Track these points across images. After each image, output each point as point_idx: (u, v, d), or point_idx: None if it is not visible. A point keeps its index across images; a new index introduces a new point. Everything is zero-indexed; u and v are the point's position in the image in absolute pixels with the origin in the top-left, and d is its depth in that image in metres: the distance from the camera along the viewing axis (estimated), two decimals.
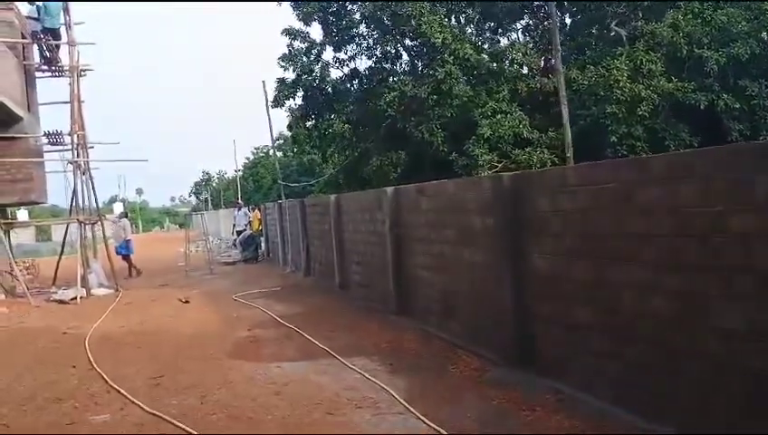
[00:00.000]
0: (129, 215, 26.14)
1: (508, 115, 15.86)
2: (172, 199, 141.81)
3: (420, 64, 17.50)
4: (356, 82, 19.61)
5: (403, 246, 9.94)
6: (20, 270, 22.40)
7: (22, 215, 60.17)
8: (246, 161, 60.56)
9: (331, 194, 22.28)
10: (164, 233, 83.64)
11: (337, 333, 9.64)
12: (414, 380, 6.99)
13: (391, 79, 18.09)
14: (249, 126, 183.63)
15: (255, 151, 58.71)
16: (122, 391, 7.20)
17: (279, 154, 49.01)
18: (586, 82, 15.87)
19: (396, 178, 16.42)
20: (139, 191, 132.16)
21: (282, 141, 36.58)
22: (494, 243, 6.98)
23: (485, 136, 15.28)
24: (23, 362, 9.11)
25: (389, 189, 10.23)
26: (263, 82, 25.19)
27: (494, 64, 17.13)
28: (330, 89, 19.62)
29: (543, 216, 6.18)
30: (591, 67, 16.25)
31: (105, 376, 7.88)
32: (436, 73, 15.34)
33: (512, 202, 6.57)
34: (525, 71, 17.15)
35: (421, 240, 9.28)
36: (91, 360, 8.79)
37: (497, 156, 15.51)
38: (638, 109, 15.43)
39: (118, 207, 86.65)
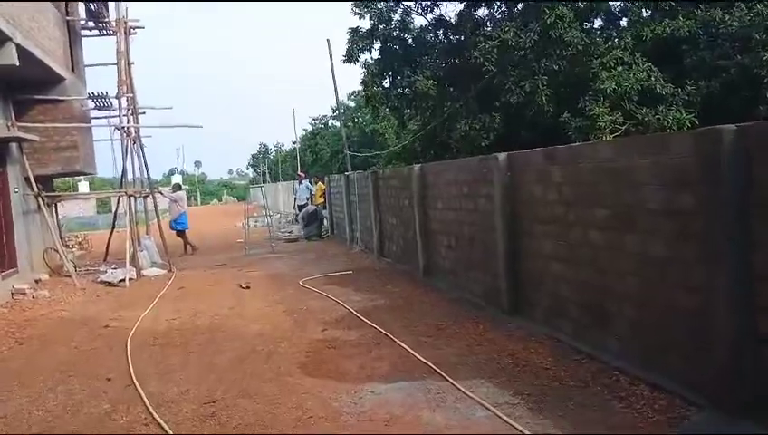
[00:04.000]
0: (182, 187, 24.53)
1: (632, 66, 13.30)
2: (230, 172, 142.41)
3: (521, 6, 14.76)
4: (442, 31, 17.12)
5: (520, 229, 7.76)
6: (72, 246, 21.24)
7: (83, 186, 60.55)
8: (304, 133, 58.78)
9: (400, 166, 20.12)
10: (222, 206, 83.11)
11: (436, 339, 7.58)
12: (571, 423, 4.87)
13: (487, 25, 15.52)
14: (308, 97, 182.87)
15: (314, 123, 56.76)
16: (165, 425, 5.32)
17: (338, 124, 47.07)
18: (735, 24, 13.13)
19: (487, 147, 14.11)
20: (198, 164, 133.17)
21: (342, 111, 34.50)
22: (692, 229, 4.76)
23: (607, 91, 12.78)
24: (51, 370, 7.35)
25: (501, 156, 8.03)
26: (327, 40, 23.19)
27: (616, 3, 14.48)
28: (411, 40, 17.11)
29: None
30: (742, 5, 13.45)
31: (145, 398, 6.02)
32: (545, 17, 12.82)
33: (740, 170, 4.32)
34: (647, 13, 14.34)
35: (549, 222, 7.09)
36: (131, 371, 6.95)
37: (621, 116, 13.01)
38: None
39: (176, 180, 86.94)
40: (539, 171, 7.28)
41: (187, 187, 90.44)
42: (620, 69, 13.20)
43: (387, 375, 6.37)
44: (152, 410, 5.68)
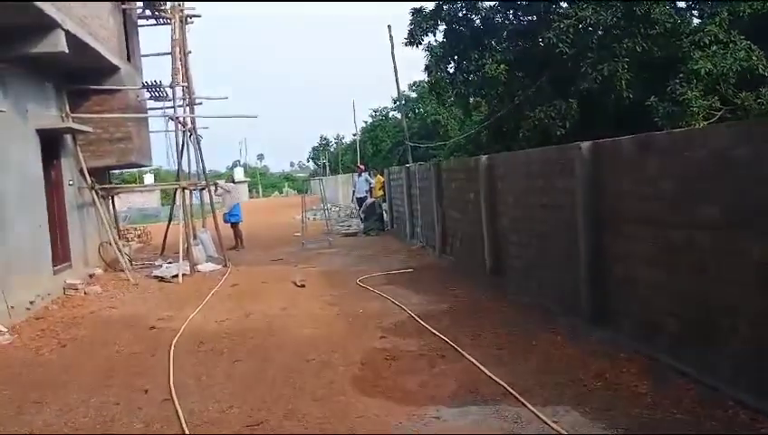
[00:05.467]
0: (235, 181, 24.20)
1: (729, 46, 11.99)
2: (291, 165, 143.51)
3: None
4: (512, 11, 15.95)
5: (606, 228, 6.81)
6: (130, 238, 21.13)
7: (148, 179, 61.64)
8: (365, 125, 58.23)
9: (464, 157, 19.16)
10: (283, 198, 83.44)
11: (508, 351, 6.72)
12: None
13: (563, 4, 14.31)
14: (370, 90, 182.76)
15: (374, 115, 56.12)
16: None
17: (398, 116, 46.32)
18: None
19: (561, 136, 13.03)
20: (260, 157, 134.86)
21: (403, 102, 33.67)
22: None
23: (701, 73, 11.52)
24: (88, 377, 6.81)
25: (584, 145, 7.07)
26: (388, 26, 22.39)
27: None
28: (479, 21, 16.07)
29: None
30: None
31: (182, 417, 5.36)
32: None
33: None
34: None
35: (642, 220, 6.12)
36: (171, 383, 6.33)
37: (718, 100, 11.74)
38: None
39: (238, 172, 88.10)
40: (631, 162, 6.31)
41: (248, 179, 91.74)
42: (715, 48, 11.91)
43: (453, 396, 5.56)
44: (188, 433, 5.02)
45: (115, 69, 13.80)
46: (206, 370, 6.80)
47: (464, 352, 6.67)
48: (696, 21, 12.75)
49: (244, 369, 6.79)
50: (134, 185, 30.12)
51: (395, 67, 23.59)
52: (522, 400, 5.25)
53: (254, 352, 7.38)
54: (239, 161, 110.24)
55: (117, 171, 32.10)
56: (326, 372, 6.47)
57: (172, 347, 7.71)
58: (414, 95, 45.73)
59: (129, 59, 15.14)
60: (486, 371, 6.03)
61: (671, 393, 5.13)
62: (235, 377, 6.51)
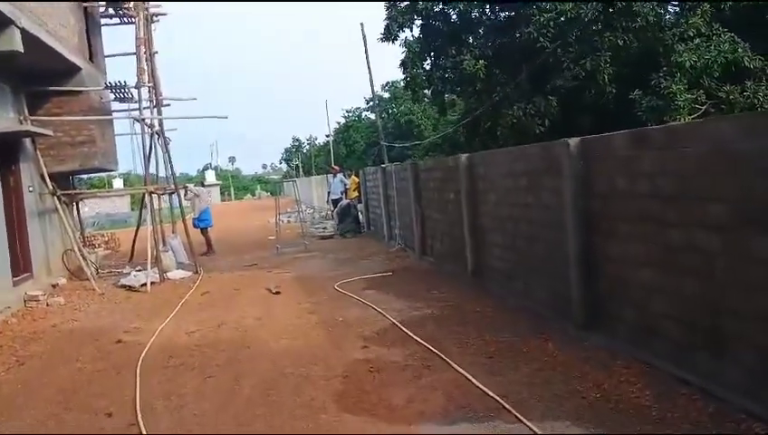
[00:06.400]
0: (205, 184, 23.70)
1: (712, 38, 11.72)
2: (264, 167, 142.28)
3: None
4: (489, 6, 15.51)
5: (597, 228, 6.47)
6: (97, 245, 20.44)
7: (117, 183, 60.47)
8: (338, 126, 57.65)
9: (440, 157, 18.79)
10: (256, 201, 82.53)
11: (498, 360, 6.35)
12: None
13: None
14: (344, 91, 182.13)
15: (347, 115, 55.56)
16: None
17: (372, 116, 45.91)
18: None
19: (541, 134, 12.67)
20: (232, 159, 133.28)
21: (377, 102, 33.22)
22: None
23: (686, 65, 11.23)
24: (46, 400, 6.29)
25: (573, 141, 6.73)
26: (361, 24, 21.95)
27: None
28: (455, 15, 15.66)
29: None
30: None
31: None
32: None
33: None
34: None
35: (638, 219, 5.79)
36: (138, 404, 5.84)
37: (703, 94, 11.44)
38: None
39: (210, 175, 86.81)
40: (624, 159, 5.97)
41: (220, 182, 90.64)
42: (698, 41, 11.65)
43: (443, 412, 5.17)
44: None
45: (76, 69, 13.20)
46: (175, 388, 6.32)
47: (451, 362, 6.28)
48: (671, 12, 12.43)
49: (216, 386, 6.33)
50: (98, 190, 29.16)
51: (369, 67, 23.23)
52: (518, 415, 4.87)
53: (227, 367, 6.92)
54: (210, 164, 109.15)
55: (85, 176, 31.20)
56: (306, 387, 6.03)
57: (139, 363, 7.21)
58: (387, 95, 45.34)
59: (91, 59, 14.53)
60: (477, 382, 5.65)
61: (678, 406, 4.79)
62: (207, 395, 6.05)
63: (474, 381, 5.70)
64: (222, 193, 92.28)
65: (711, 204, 4.82)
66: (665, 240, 5.39)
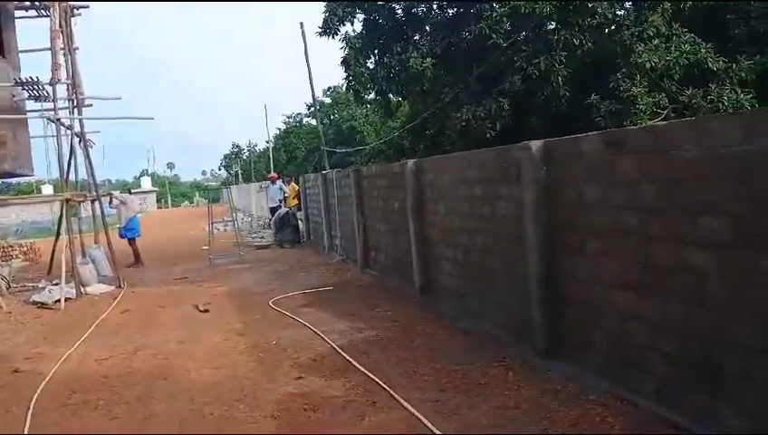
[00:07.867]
0: (132, 191, 22.45)
1: (673, 39, 11.21)
2: (203, 173, 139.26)
3: None
4: (436, 2, 14.73)
5: (563, 243, 5.74)
6: (15, 256, 18.90)
7: (47, 189, 57.76)
8: (278, 132, 56.28)
9: (384, 163, 17.96)
10: (194, 208, 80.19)
11: (453, 394, 5.52)
12: None
13: None
14: (283, 93, 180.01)
15: (288, 121, 54.25)
16: None
17: (313, 122, 44.88)
18: None
19: (491, 139, 11.99)
20: (170, 165, 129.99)
21: (318, 108, 32.21)
22: None
23: (646, 67, 10.67)
24: None
25: (535, 144, 6.00)
26: (300, 23, 20.98)
27: None
28: (401, 10, 14.82)
29: None
30: None
31: None
32: None
33: None
34: None
35: (612, 234, 5.08)
36: None
37: (665, 97, 10.91)
38: None
39: (146, 182, 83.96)
40: (595, 164, 5.26)
41: (157, 189, 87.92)
42: (657, 41, 11.15)
43: None
44: None
45: None
46: (73, 431, 5.28)
47: (399, 398, 5.43)
48: (629, 10, 11.90)
49: (120, 429, 5.32)
50: (8, 197, 27.29)
51: (309, 69, 22.28)
52: None
53: (137, 406, 5.89)
54: (147, 170, 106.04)
55: (13, 180, 29.19)
56: (228, 430, 5.09)
57: (34, 399, 6.13)
58: (328, 100, 44.41)
59: (2, 54, 13.17)
60: (431, 425, 4.81)
61: None
62: None
63: (427, 423, 4.86)
64: (158, 200, 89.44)
65: (705, 216, 4.13)
66: (646, 259, 4.69)
